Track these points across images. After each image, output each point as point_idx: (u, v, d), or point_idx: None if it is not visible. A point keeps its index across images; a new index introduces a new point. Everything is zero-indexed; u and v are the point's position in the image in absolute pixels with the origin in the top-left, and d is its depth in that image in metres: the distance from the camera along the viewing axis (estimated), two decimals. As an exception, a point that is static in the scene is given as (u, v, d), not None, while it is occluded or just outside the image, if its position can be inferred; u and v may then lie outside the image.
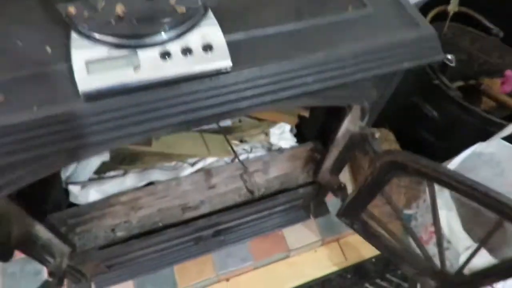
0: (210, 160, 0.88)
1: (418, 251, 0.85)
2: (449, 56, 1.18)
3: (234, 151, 0.85)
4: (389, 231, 0.86)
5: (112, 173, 0.84)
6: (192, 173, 0.86)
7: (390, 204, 0.77)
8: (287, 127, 0.94)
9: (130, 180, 0.83)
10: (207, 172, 0.84)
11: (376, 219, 0.87)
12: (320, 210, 1.20)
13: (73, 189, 0.78)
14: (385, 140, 1.33)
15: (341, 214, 0.94)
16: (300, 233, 1.23)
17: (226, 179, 0.89)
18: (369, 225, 0.90)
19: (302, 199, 1.06)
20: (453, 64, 1.18)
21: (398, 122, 1.32)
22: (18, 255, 1.13)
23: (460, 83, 1.32)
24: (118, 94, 0.46)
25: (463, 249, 1.01)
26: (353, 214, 0.91)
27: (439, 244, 0.76)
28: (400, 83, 0.76)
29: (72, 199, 0.80)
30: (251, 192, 0.87)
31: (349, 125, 0.79)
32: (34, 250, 0.71)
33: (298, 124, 0.98)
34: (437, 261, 0.80)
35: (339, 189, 0.94)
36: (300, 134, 1.00)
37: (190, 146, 0.86)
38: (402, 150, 1.30)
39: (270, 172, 0.94)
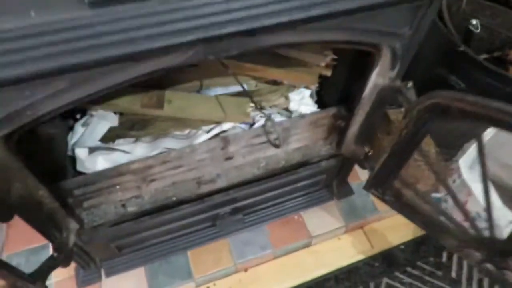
0: (226, 126, 0.82)
1: (460, 219, 0.77)
2: (473, 21, 1.12)
3: (251, 100, 0.77)
4: (426, 199, 0.78)
5: (121, 141, 0.77)
6: (207, 140, 0.79)
7: (427, 162, 0.69)
8: (307, 92, 0.88)
9: (141, 149, 0.77)
10: (223, 139, 0.77)
11: (411, 185, 0.79)
12: (344, 190, 1.12)
13: (80, 153, 0.72)
14: (408, 119, 1.26)
15: (370, 185, 0.87)
16: (321, 219, 1.14)
17: (244, 149, 0.82)
18: (403, 194, 0.81)
19: (325, 175, 0.98)
20: (478, 30, 1.12)
21: (422, 98, 1.25)
22: (21, 246, 1.07)
23: (484, 56, 1.26)
24: (128, 0, 0.40)
25: (506, 223, 0.92)
26: (384, 182, 0.83)
27: (488, 205, 0.68)
28: (422, 55, 0.69)
29: (79, 166, 0.74)
30: (276, 145, 0.80)
31: (377, 78, 0.72)
32: (38, 219, 0.65)
33: (319, 91, 0.92)
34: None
35: (366, 158, 0.87)
36: (321, 101, 0.94)
37: (205, 109, 0.80)
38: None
39: (290, 142, 0.87)
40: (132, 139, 0.78)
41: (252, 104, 0.81)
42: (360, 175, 1.20)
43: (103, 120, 0.75)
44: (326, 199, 1.10)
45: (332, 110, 0.85)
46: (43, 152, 0.65)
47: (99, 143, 0.76)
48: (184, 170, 0.80)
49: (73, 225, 0.74)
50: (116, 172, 0.72)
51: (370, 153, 0.86)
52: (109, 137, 0.77)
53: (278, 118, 0.86)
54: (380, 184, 0.84)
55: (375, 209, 1.17)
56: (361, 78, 0.74)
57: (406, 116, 0.66)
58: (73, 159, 0.75)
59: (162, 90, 0.79)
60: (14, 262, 1.03)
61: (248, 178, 0.87)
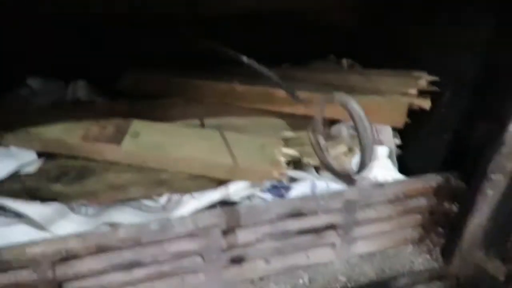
0: (234, 188, 0.44)
1: None
2: None
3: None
4: None
5: (33, 207, 0.39)
6: (197, 213, 0.41)
7: None
8: (381, 149, 0.50)
9: (68, 224, 0.40)
10: (227, 212, 0.39)
11: None
12: None
13: None
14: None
15: None
16: None
17: (267, 242, 0.43)
18: None
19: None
20: None
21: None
22: None
23: None
24: None
25: None
26: None
27: None
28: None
29: None
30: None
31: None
32: None
33: (400, 146, 0.55)
34: None
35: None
36: (404, 168, 0.55)
37: (199, 150, 0.44)
38: None
39: (355, 240, 0.47)
40: (54, 205, 0.40)
41: (287, 150, 0.45)
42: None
43: (6, 158, 0.42)
44: None
45: (433, 180, 0.46)
46: None
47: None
48: (145, 274, 0.39)
49: None
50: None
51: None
52: (10, 192, 0.41)
53: (332, 186, 0.47)
54: None
55: None
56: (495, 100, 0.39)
57: None
58: None
59: (127, 119, 0.47)
60: None
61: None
